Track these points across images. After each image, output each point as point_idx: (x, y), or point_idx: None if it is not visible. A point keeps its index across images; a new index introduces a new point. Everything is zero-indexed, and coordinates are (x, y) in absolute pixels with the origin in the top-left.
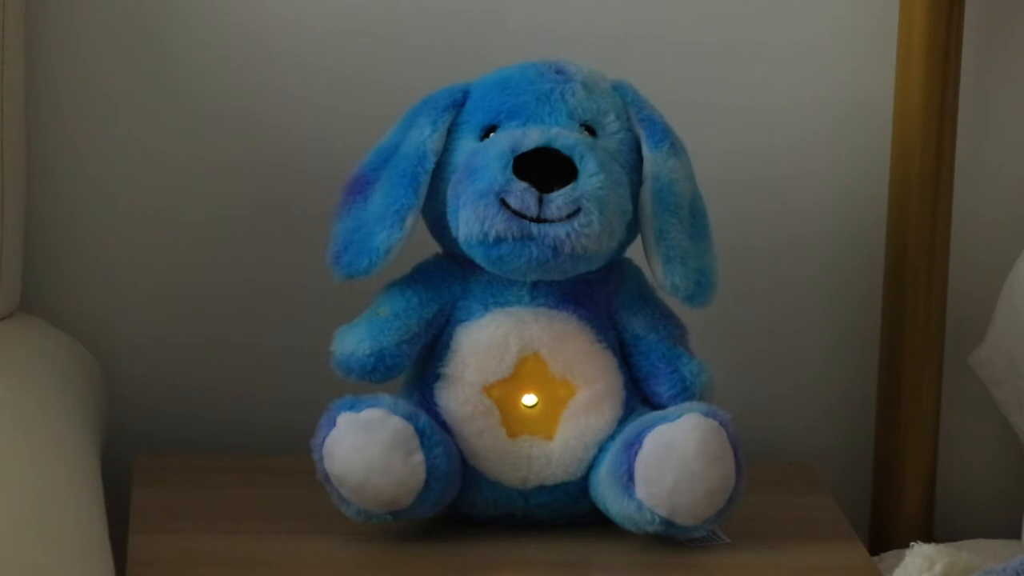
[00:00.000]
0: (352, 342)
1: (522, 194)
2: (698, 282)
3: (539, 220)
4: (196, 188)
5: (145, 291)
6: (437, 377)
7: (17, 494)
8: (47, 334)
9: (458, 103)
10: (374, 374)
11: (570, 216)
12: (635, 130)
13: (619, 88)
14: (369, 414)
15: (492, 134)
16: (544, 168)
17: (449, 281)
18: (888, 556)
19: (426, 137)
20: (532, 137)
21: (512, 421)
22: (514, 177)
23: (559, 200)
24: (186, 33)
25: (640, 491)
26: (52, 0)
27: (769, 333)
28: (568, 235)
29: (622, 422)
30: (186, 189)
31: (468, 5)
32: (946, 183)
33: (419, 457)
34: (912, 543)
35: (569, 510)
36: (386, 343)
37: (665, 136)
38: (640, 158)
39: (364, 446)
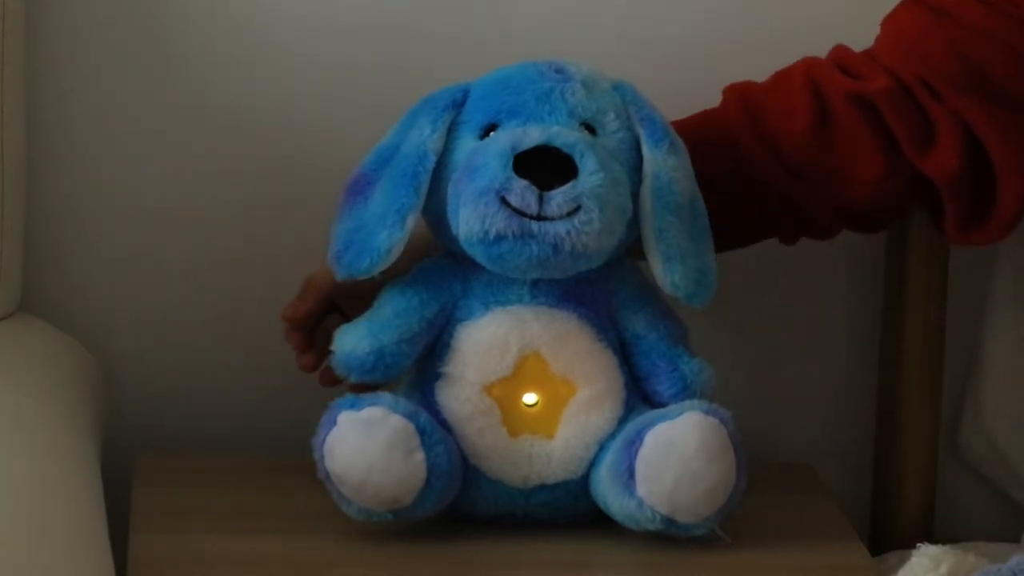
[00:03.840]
0: (352, 340)
1: (522, 192)
2: (697, 281)
3: (539, 218)
4: (197, 187)
5: (146, 291)
6: (438, 376)
7: (16, 494)
8: (47, 334)
9: (458, 103)
10: (373, 372)
11: (570, 214)
12: (635, 129)
13: (619, 87)
14: (370, 412)
15: (492, 133)
16: (544, 166)
17: (450, 280)
18: (891, 556)
19: (426, 137)
20: (532, 135)
21: (513, 420)
22: (514, 175)
23: (559, 198)
24: (188, 31)
25: (641, 489)
26: None
27: (769, 333)
28: (568, 233)
29: (623, 421)
30: (188, 188)
31: (469, 4)
32: None
33: (420, 456)
34: (918, 544)
35: (570, 509)
36: (386, 341)
37: (665, 135)
38: (640, 157)
39: (365, 445)
